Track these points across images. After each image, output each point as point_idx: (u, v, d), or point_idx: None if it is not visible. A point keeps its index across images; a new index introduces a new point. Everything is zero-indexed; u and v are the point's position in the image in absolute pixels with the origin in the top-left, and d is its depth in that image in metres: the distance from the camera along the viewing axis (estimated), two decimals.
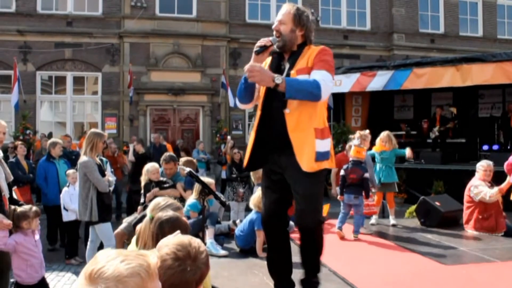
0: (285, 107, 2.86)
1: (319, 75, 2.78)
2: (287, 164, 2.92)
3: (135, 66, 13.96)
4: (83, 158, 4.70)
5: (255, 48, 2.88)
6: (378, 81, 9.90)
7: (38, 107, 14.18)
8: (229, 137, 12.51)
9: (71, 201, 6.06)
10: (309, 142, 2.85)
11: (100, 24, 14.33)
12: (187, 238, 1.59)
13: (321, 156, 2.86)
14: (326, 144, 2.91)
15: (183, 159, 5.65)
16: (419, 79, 9.46)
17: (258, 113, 3.05)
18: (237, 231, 4.84)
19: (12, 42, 13.65)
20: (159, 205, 2.67)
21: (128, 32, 14.27)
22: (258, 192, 4.79)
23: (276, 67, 3.00)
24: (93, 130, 5.02)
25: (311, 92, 2.72)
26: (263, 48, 2.87)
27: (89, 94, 14.80)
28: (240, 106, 3.21)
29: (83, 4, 14.42)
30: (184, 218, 2.39)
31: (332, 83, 2.85)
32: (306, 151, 2.84)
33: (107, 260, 1.06)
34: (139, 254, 1.13)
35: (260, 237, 4.53)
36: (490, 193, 5.51)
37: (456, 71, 8.98)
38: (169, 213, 2.35)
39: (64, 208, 6.14)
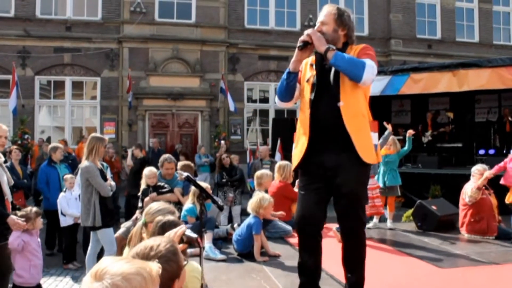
0: (338, 101, 2.88)
1: (367, 62, 2.82)
2: (336, 162, 2.89)
3: (134, 71, 14.00)
4: (84, 163, 4.67)
5: (298, 44, 2.90)
6: (376, 86, 9.93)
7: (37, 112, 14.19)
8: (222, 141, 12.54)
9: (68, 206, 6.09)
10: (366, 134, 2.88)
11: (99, 29, 14.39)
12: (143, 244, 1.64)
13: (375, 149, 2.94)
14: (376, 137, 2.96)
15: (180, 163, 5.66)
16: (416, 84, 9.52)
17: (308, 111, 2.99)
18: (235, 235, 4.87)
19: (11, 47, 13.68)
20: (151, 209, 2.71)
21: (127, 37, 14.32)
22: (255, 197, 4.81)
23: (321, 67, 3.00)
24: (94, 134, 5.00)
25: (355, 67, 2.77)
26: (305, 44, 2.88)
27: (88, 99, 14.82)
28: (280, 104, 3.20)
29: (82, 9, 14.48)
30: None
31: (376, 72, 2.86)
32: (366, 143, 2.87)
33: (113, 261, 1.14)
34: (142, 261, 1.22)
35: (258, 241, 4.56)
36: (469, 190, 5.64)
37: (452, 76, 9.04)
38: (170, 216, 2.40)
39: (62, 213, 6.15)
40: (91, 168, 4.62)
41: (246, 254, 4.64)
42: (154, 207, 2.72)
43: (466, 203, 5.77)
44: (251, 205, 4.75)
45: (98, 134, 5.04)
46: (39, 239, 4.21)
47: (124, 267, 1.11)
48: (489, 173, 5.74)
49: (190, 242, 2.11)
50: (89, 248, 4.95)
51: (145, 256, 1.56)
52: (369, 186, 5.76)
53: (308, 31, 2.89)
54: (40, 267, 4.11)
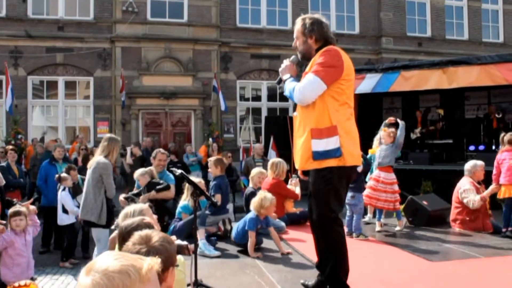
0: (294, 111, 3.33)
1: (303, 80, 3.07)
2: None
3: (126, 71, 14.00)
4: (102, 160, 4.63)
5: (277, 81, 3.46)
6: (367, 83, 10.03)
7: (30, 112, 14.15)
8: (210, 139, 12.61)
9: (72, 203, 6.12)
10: (305, 142, 3.05)
11: (91, 28, 14.36)
12: (146, 230, 1.74)
13: (319, 155, 2.97)
14: (326, 143, 2.96)
15: (212, 158, 5.69)
16: (407, 81, 9.61)
17: None
18: (235, 227, 4.95)
19: (3, 47, 13.61)
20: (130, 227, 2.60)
21: (120, 37, 14.31)
22: (258, 196, 4.86)
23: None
24: (109, 135, 4.97)
25: (291, 95, 3.16)
26: (280, 80, 3.37)
27: (81, 99, 14.80)
28: None
29: (75, 9, 14.45)
30: (148, 220, 2.32)
31: (313, 85, 2.98)
32: (302, 151, 3.08)
33: (104, 256, 1.12)
34: (137, 257, 1.15)
35: (252, 237, 4.62)
36: (473, 201, 5.71)
37: (442, 73, 9.14)
38: (135, 219, 2.30)
39: (63, 211, 6.14)
40: (109, 166, 4.62)
41: (243, 245, 4.70)
42: (127, 216, 2.56)
43: (461, 201, 5.87)
44: (253, 204, 4.80)
45: (112, 135, 4.99)
46: (28, 238, 4.22)
47: (110, 264, 1.07)
48: (491, 188, 5.82)
49: (180, 251, 2.22)
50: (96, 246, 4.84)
51: (148, 236, 1.63)
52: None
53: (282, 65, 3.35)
54: (25, 266, 4.11)
